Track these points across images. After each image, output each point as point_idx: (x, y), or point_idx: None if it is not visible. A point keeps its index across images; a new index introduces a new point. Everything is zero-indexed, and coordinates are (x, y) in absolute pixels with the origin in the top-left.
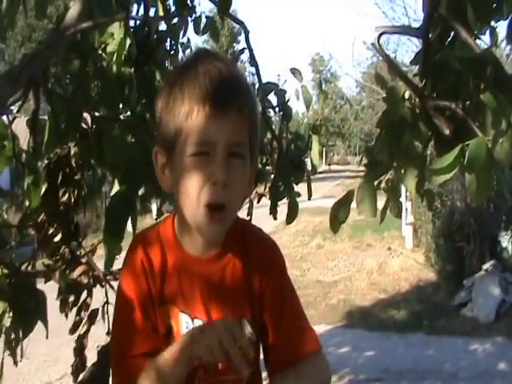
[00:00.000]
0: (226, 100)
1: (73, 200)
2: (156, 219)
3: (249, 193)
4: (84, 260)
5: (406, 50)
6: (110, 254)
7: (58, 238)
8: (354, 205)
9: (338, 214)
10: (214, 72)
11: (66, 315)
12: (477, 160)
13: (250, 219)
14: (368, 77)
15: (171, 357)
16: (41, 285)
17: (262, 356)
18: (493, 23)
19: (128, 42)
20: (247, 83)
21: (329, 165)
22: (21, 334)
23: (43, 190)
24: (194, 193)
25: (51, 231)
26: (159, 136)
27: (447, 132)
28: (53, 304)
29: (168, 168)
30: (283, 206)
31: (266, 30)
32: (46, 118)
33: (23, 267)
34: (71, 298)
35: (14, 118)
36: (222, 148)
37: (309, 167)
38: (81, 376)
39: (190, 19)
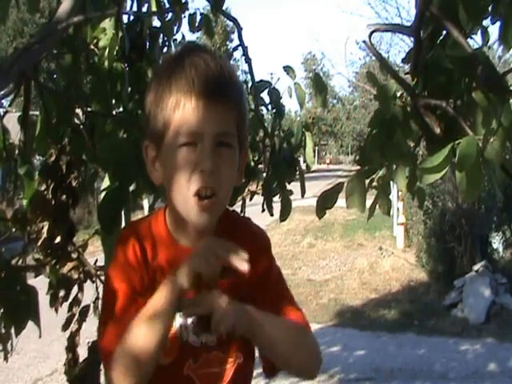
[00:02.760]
0: (212, 91)
1: (71, 200)
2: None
3: (238, 181)
4: (75, 255)
5: (398, 50)
6: (108, 250)
7: (51, 236)
8: (345, 204)
9: (325, 202)
10: (201, 64)
11: (56, 310)
12: (467, 158)
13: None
14: (360, 77)
15: (159, 296)
16: (31, 280)
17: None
18: (488, 23)
19: (120, 37)
20: (235, 74)
21: (328, 163)
22: (13, 331)
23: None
24: (183, 182)
25: (45, 227)
26: (149, 129)
27: (438, 131)
28: (43, 299)
29: (158, 161)
30: (275, 205)
31: (260, 28)
32: (37, 113)
33: (13, 262)
34: (61, 293)
35: (6, 112)
36: (210, 138)
37: (302, 165)
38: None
39: (183, 16)
